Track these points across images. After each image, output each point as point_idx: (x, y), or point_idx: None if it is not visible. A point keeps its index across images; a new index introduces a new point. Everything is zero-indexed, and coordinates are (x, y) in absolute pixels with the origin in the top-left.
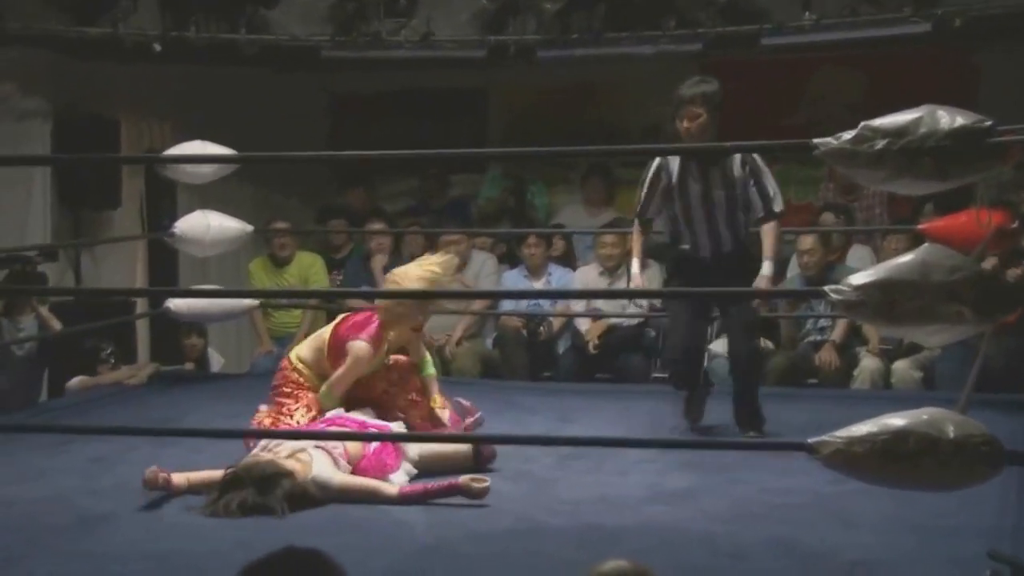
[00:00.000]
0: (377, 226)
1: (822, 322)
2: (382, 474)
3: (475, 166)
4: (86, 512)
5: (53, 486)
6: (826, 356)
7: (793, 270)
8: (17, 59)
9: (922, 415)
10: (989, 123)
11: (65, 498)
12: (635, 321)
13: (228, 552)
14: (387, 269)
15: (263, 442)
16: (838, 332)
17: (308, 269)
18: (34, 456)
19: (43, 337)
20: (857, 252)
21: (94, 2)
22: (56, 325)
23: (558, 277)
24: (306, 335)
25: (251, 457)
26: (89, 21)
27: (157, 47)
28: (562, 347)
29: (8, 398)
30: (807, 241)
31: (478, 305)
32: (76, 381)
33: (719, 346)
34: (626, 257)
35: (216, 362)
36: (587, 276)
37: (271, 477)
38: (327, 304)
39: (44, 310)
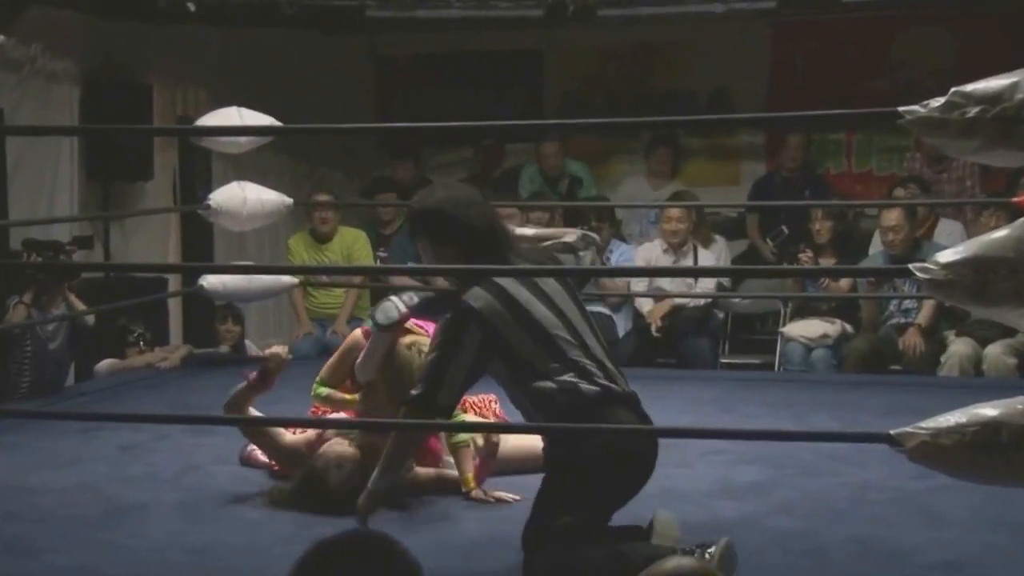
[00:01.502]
0: None
1: (907, 304)
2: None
3: (532, 135)
4: (117, 502)
5: (82, 475)
6: (911, 340)
7: (876, 247)
8: (44, 19)
9: (1016, 405)
10: None
11: (94, 487)
12: (702, 302)
13: (267, 547)
14: None
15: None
16: (924, 315)
17: (352, 245)
18: (62, 443)
19: (69, 316)
20: (946, 228)
21: None
22: (86, 317)
23: (619, 254)
24: (348, 316)
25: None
26: None
27: (192, 7)
28: (622, 330)
29: (39, 390)
30: (891, 216)
31: None
32: (105, 364)
33: (796, 329)
34: (692, 234)
35: (254, 352)
36: (651, 253)
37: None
38: (371, 283)
39: (75, 300)
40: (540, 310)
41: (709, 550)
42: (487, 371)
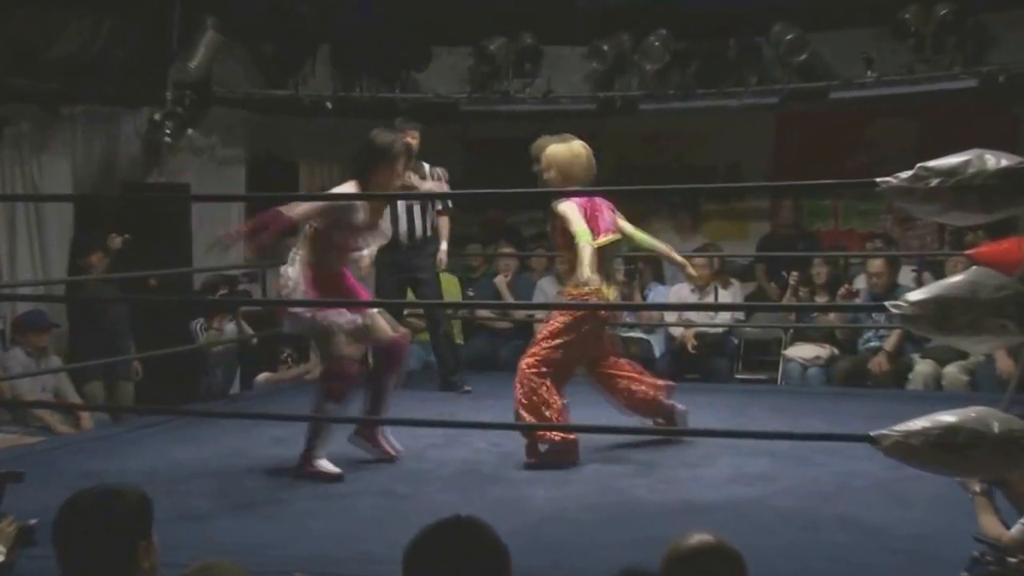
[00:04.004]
0: (506, 248)
1: (882, 331)
2: None
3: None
4: (270, 481)
5: (245, 459)
6: (877, 361)
7: (860, 284)
8: (219, 116)
9: (970, 412)
10: None
11: (254, 469)
12: (721, 330)
13: (386, 520)
14: (511, 287)
15: None
16: (890, 341)
17: (445, 289)
18: (230, 436)
19: (241, 338)
20: (905, 274)
21: (280, 69)
22: (248, 330)
23: (656, 293)
24: None
25: None
26: (276, 84)
27: (329, 105)
28: (657, 350)
29: (211, 389)
30: (876, 265)
31: None
32: (262, 377)
33: (795, 351)
34: (714, 276)
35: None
36: (680, 292)
37: None
38: (460, 315)
39: (242, 322)
40: None
41: None
42: None
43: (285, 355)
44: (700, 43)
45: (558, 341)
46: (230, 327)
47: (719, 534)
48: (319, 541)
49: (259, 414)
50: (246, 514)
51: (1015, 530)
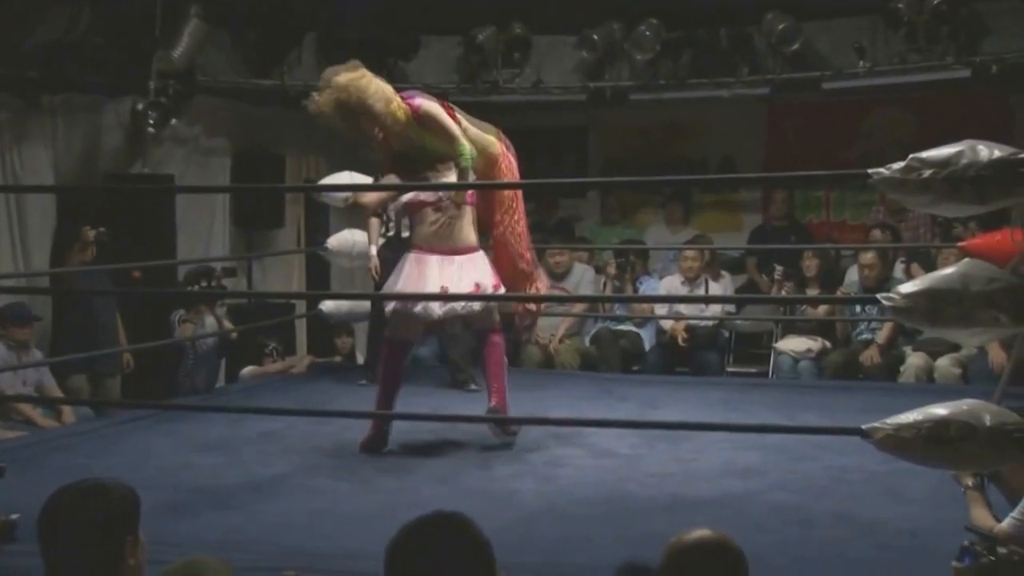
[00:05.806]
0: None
1: (874, 324)
2: None
3: (578, 193)
4: (255, 476)
5: (229, 454)
6: (868, 354)
7: (850, 278)
8: (203, 106)
9: (962, 405)
10: (1023, 155)
11: (239, 464)
12: (712, 323)
13: (372, 516)
14: None
15: None
16: (883, 334)
17: None
18: (214, 430)
19: (220, 332)
20: (900, 266)
21: (265, 58)
22: (227, 325)
23: (647, 286)
24: None
25: None
26: (261, 73)
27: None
28: (647, 344)
29: (193, 383)
30: (867, 257)
31: (578, 308)
32: (247, 370)
33: (786, 344)
34: (705, 269)
35: (361, 358)
36: (671, 284)
37: None
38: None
39: (221, 314)
40: None
41: None
42: None
43: (270, 348)
44: (691, 33)
45: None
46: (210, 320)
47: (715, 529)
48: (304, 536)
49: (243, 408)
50: (231, 509)
51: (1006, 523)
